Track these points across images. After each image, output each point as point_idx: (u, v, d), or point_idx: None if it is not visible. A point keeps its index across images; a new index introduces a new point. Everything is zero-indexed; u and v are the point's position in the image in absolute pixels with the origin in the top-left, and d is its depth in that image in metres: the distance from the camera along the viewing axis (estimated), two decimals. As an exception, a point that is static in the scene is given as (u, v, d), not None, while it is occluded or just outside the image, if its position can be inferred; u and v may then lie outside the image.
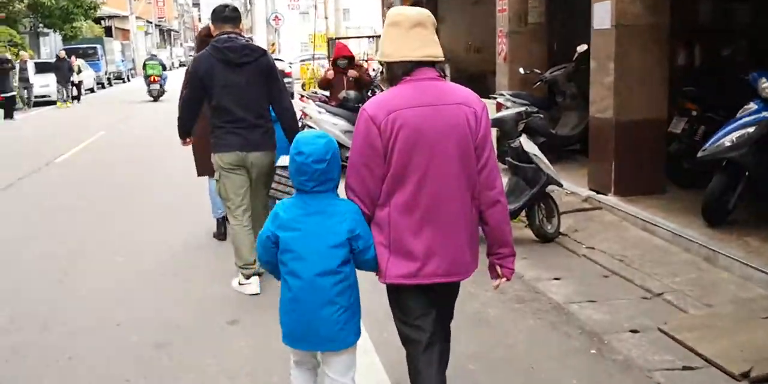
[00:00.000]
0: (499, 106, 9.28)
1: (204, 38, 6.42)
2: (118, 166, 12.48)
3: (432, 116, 3.04)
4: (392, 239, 3.13)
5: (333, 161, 3.10)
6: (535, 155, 6.85)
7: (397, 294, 3.27)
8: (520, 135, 6.97)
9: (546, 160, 6.93)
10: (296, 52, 46.63)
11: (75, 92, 28.98)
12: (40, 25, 35.70)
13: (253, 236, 5.62)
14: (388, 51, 3.14)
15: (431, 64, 3.13)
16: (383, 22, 3.34)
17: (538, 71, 10.15)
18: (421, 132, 3.02)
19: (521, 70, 10.14)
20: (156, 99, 27.30)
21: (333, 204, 3.14)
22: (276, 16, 32.92)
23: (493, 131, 6.64)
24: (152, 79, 27.32)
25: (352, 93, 10.74)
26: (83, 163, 13.09)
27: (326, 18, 37.60)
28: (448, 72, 16.40)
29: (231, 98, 5.49)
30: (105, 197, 9.85)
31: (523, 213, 7.02)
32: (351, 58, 11.00)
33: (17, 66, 24.78)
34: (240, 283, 5.77)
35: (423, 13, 3.14)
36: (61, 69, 26.62)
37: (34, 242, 7.59)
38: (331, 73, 11.04)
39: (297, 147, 3.09)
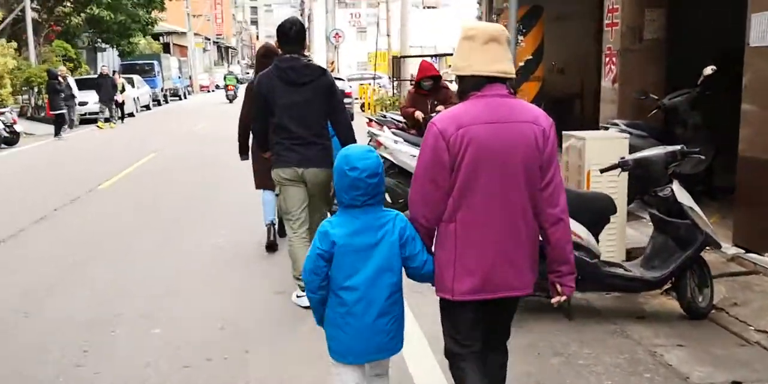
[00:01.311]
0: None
1: (261, 59, 6.91)
2: (167, 196, 11.21)
3: (501, 133, 3.06)
4: (458, 255, 3.15)
5: (382, 175, 3.17)
6: (690, 208, 5.32)
7: (452, 309, 3.28)
8: (671, 181, 5.43)
9: (703, 215, 5.39)
10: (351, 71, 45.55)
11: (120, 112, 26.72)
12: (98, 40, 35.07)
13: (307, 249, 5.22)
14: (461, 65, 3.16)
15: (503, 80, 3.15)
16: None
17: (655, 96, 8.60)
18: (490, 149, 3.05)
19: (637, 95, 8.61)
20: (231, 101, 37.07)
21: (382, 216, 3.18)
22: (337, 34, 31.72)
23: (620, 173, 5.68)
24: (229, 88, 39.04)
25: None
26: (129, 190, 11.82)
27: (388, 35, 36.38)
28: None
29: (290, 116, 5.65)
30: (149, 238, 8.52)
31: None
32: (437, 78, 9.52)
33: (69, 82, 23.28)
34: (298, 296, 5.87)
35: (498, 28, 3.18)
36: (103, 86, 24.49)
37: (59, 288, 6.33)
38: (419, 114, 9.34)
39: (350, 162, 3.10)
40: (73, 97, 22.94)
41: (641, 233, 7.01)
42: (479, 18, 14.80)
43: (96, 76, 25.89)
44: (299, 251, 5.71)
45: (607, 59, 9.21)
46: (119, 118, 26.06)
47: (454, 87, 8.86)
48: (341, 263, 3.14)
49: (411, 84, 12.54)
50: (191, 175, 13.20)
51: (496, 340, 3.45)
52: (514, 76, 3.14)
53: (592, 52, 15.84)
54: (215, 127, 23.52)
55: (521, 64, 5.58)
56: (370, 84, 32.78)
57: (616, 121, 8.26)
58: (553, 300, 3.33)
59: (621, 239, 6.38)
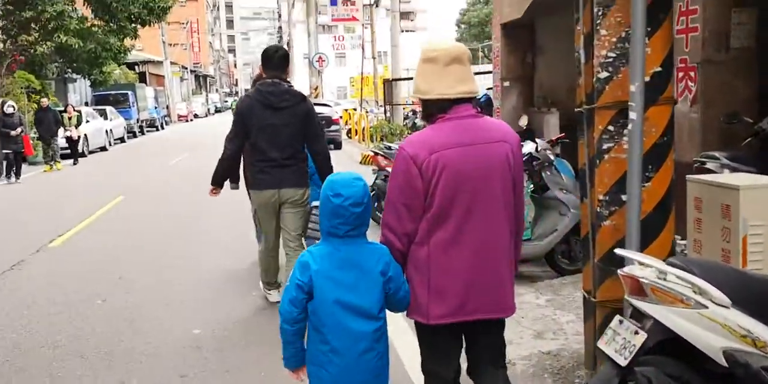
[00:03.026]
0: (700, 171, 5.90)
1: (256, 82, 6.56)
2: (135, 256, 9.16)
3: (475, 156, 3.06)
4: (432, 278, 3.13)
5: (368, 205, 3.05)
6: None
7: (430, 332, 3.25)
8: None
9: None
10: (332, 96, 43.95)
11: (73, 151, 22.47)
12: (68, 70, 33.00)
13: (277, 261, 6.44)
14: (424, 88, 3.14)
15: (469, 99, 3.15)
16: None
17: (750, 120, 6.68)
18: (465, 172, 3.04)
19: (726, 120, 6.70)
20: None
21: (364, 249, 3.09)
22: (320, 57, 29.87)
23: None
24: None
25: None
26: (88, 247, 9.72)
27: (374, 58, 34.74)
28: (557, 119, 12.97)
29: (265, 138, 5.90)
30: (108, 329, 6.44)
31: None
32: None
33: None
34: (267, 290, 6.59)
35: (459, 47, 3.16)
36: (44, 122, 20.55)
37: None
38: None
39: (334, 189, 3.02)
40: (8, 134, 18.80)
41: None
42: (577, 20, 13.00)
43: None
44: (270, 264, 6.42)
45: (681, 74, 7.28)
46: (73, 158, 22.22)
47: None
48: (322, 297, 3.02)
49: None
50: (167, 224, 11.16)
51: (486, 366, 3.37)
52: (479, 94, 3.24)
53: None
54: (195, 160, 21.53)
55: (647, 78, 3.58)
56: (355, 109, 31.09)
57: (715, 153, 6.31)
58: None
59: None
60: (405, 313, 3.28)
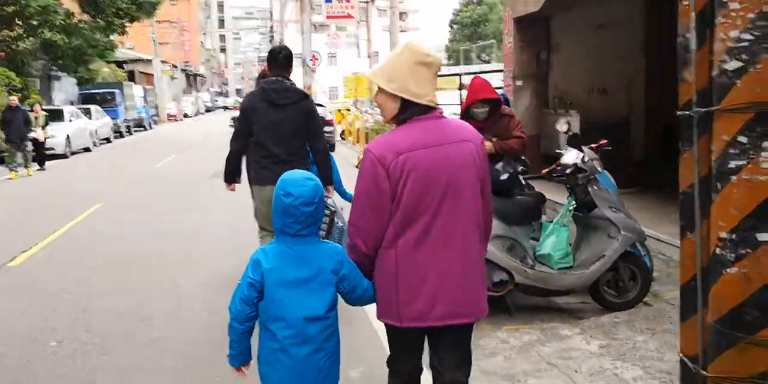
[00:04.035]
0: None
1: (258, 80, 6.80)
2: (109, 279, 7.93)
3: (441, 156, 3.05)
4: (401, 282, 3.09)
5: (320, 204, 3.09)
6: None
7: (397, 334, 3.26)
8: None
9: None
10: (323, 97, 42.77)
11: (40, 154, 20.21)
12: (53, 67, 31.68)
13: None
14: (417, 91, 3.08)
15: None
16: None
17: None
18: (432, 173, 3.03)
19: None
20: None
21: (317, 248, 3.12)
22: (314, 56, 28.59)
23: None
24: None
25: (500, 168, 6.23)
26: (52, 268, 8.45)
27: (370, 57, 33.56)
28: (577, 122, 11.79)
29: (267, 135, 6.06)
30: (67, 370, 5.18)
31: None
32: (496, 103, 6.40)
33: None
34: None
35: (439, 56, 3.18)
36: (12, 123, 18.53)
37: None
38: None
39: (284, 188, 3.05)
40: None
41: None
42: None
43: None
44: None
45: None
46: (38, 162, 20.02)
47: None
48: (272, 296, 3.03)
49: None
50: (150, 240, 9.92)
51: (452, 372, 3.27)
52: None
53: (640, 68, 12.90)
54: (182, 162, 20.31)
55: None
56: (348, 109, 29.89)
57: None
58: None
59: None
60: (375, 315, 3.28)
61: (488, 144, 6.22)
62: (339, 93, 54.21)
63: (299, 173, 3.14)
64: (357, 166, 17.22)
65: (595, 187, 6.20)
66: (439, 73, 3.21)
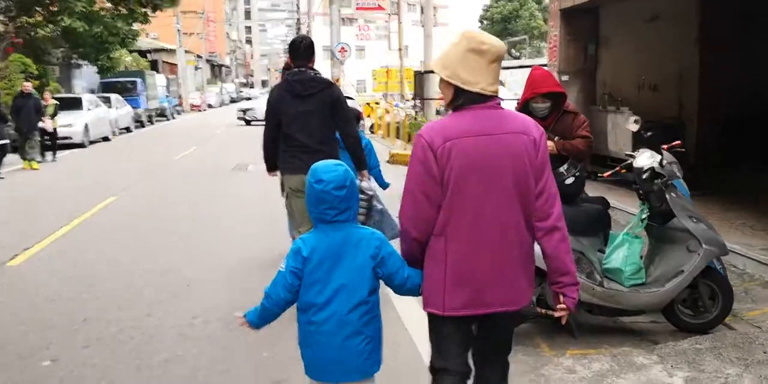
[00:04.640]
0: None
1: (285, 71, 6.69)
2: (113, 281, 7.17)
3: (490, 145, 3.02)
4: (449, 269, 3.09)
5: (352, 188, 3.13)
6: None
7: (442, 324, 3.21)
8: None
9: None
10: (351, 90, 42.08)
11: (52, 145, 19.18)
12: (73, 55, 31.02)
13: None
14: (468, 79, 3.06)
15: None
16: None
17: None
18: (478, 161, 3.01)
19: None
20: None
21: (354, 233, 3.14)
22: (342, 48, 27.79)
23: None
24: None
25: (564, 171, 5.40)
26: (55, 268, 7.69)
27: (400, 49, 32.67)
28: (633, 121, 10.93)
29: (296, 126, 6.02)
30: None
31: None
32: (559, 97, 5.57)
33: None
34: None
35: (503, 47, 3.14)
36: (23, 110, 17.23)
37: None
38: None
39: (316, 175, 3.11)
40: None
41: None
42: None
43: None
44: None
45: None
46: (51, 153, 18.98)
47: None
48: (310, 280, 3.09)
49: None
50: (164, 236, 9.17)
51: (495, 355, 3.36)
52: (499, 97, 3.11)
53: (693, 64, 12.00)
54: (202, 155, 19.59)
55: None
56: (377, 103, 29.09)
57: None
58: (557, 314, 3.23)
59: None
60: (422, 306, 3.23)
61: (550, 144, 5.42)
62: (367, 86, 53.51)
63: (329, 161, 3.21)
64: (388, 161, 16.43)
65: (673, 195, 5.36)
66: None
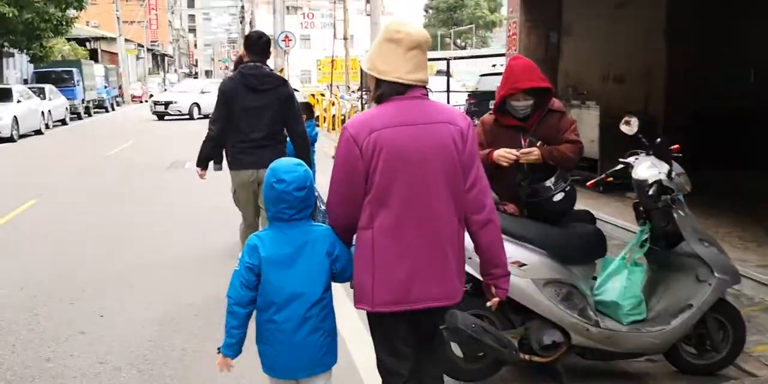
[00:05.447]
0: None
1: (238, 64, 6.86)
2: (31, 298, 6.08)
3: (415, 136, 2.98)
4: (376, 264, 3.02)
5: (311, 188, 3.12)
6: None
7: (380, 321, 3.15)
8: None
9: None
10: (295, 81, 41.05)
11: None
12: (4, 43, 29.40)
13: None
14: (383, 68, 3.02)
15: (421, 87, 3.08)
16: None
17: None
18: (404, 152, 2.96)
19: None
20: None
21: (310, 231, 3.14)
22: (286, 36, 26.67)
23: None
24: None
25: (551, 184, 4.43)
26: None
27: (345, 39, 31.73)
28: (596, 117, 10.18)
29: (247, 120, 6.07)
30: None
31: None
32: (545, 94, 4.67)
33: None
34: None
35: (423, 34, 3.07)
36: None
37: None
38: (506, 156, 4.59)
39: (276, 175, 3.07)
40: None
41: None
42: None
43: None
44: None
45: None
46: None
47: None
48: (268, 279, 3.07)
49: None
50: (92, 247, 8.08)
51: (428, 364, 3.29)
52: (428, 85, 3.08)
53: (660, 55, 11.29)
54: (139, 149, 18.43)
55: None
56: (323, 94, 28.12)
57: None
58: (489, 303, 3.28)
59: None
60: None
61: (533, 152, 4.54)
62: (312, 77, 52.46)
63: (288, 160, 3.19)
64: (333, 157, 15.46)
65: (681, 213, 4.50)
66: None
